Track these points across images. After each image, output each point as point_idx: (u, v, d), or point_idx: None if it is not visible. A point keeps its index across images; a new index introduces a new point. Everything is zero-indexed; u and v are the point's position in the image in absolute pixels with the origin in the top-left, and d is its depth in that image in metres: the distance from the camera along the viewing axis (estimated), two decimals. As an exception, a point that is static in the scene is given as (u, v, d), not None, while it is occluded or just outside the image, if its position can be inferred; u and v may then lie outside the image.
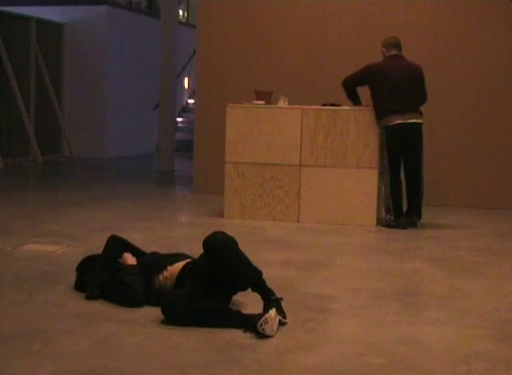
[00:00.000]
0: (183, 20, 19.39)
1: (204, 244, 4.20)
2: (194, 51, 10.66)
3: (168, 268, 4.44)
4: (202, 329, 3.88)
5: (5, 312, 4.14)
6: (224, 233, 4.25)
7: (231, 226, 7.05)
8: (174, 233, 6.79)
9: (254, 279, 4.11)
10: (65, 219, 7.43)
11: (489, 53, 9.22)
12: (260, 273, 4.13)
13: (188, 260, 4.48)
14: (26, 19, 14.33)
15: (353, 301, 4.59)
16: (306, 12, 9.60)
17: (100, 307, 4.26)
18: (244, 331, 3.87)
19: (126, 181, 11.32)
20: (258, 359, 3.46)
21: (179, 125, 17.59)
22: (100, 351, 3.52)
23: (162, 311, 4.01)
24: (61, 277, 4.84)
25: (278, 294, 4.14)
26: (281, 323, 3.95)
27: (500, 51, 9.21)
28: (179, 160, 13.83)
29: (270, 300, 4.06)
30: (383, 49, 7.73)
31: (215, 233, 4.23)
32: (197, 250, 4.70)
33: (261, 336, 3.78)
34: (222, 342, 3.69)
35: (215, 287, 4.14)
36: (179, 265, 4.43)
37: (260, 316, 3.85)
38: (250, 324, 3.87)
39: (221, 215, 7.76)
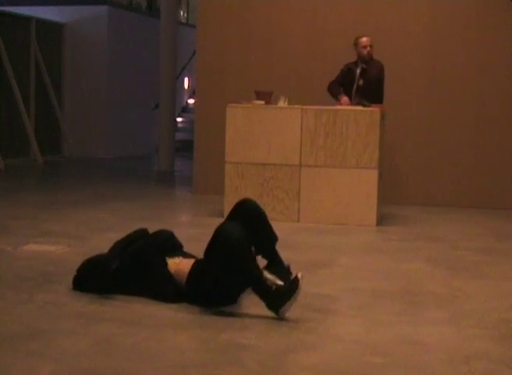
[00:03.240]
0: (183, 20, 19.39)
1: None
2: (194, 51, 10.66)
3: (181, 258, 4.52)
4: (202, 329, 3.89)
5: (5, 312, 4.14)
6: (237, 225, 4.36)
7: (231, 226, 7.03)
8: (174, 233, 6.77)
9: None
10: (65, 219, 7.43)
11: (490, 53, 9.22)
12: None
13: (193, 260, 4.52)
14: (26, 19, 14.33)
15: (353, 301, 4.59)
16: (306, 12, 9.60)
17: (100, 307, 4.26)
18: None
19: (126, 181, 11.31)
20: (258, 359, 3.46)
21: (179, 125, 17.59)
22: (100, 351, 3.52)
23: (221, 237, 4.18)
24: (61, 277, 4.84)
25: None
26: None
27: (501, 51, 9.21)
28: (179, 160, 13.83)
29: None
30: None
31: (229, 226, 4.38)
32: (196, 249, 4.70)
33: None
34: (222, 342, 3.69)
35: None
36: (189, 263, 4.46)
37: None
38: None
39: (221, 215, 7.75)
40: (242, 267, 4.15)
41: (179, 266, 4.45)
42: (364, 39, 8.12)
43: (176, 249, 4.69)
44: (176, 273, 4.42)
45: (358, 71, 8.15)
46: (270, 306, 4.11)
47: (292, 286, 4.11)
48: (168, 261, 4.49)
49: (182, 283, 4.38)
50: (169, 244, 4.68)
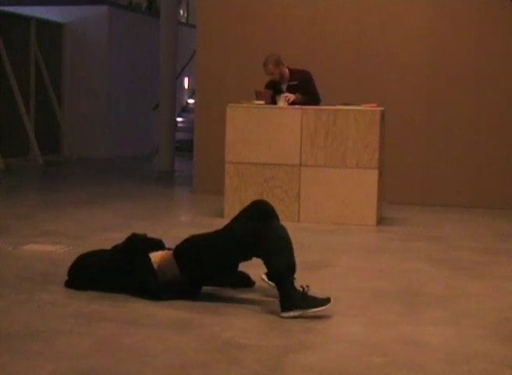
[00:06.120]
0: (183, 20, 19.39)
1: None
2: (194, 51, 10.66)
3: (165, 251, 4.58)
4: (202, 329, 3.89)
5: (5, 312, 4.14)
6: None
7: (231, 226, 7.03)
8: (174, 232, 6.78)
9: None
10: (65, 219, 7.43)
11: (490, 53, 9.21)
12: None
13: (162, 252, 4.56)
14: (26, 19, 14.33)
15: (353, 301, 4.59)
16: (306, 12, 9.60)
17: (100, 307, 4.25)
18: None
19: (126, 181, 11.31)
20: (258, 359, 3.45)
21: (179, 125, 17.58)
22: (100, 351, 3.52)
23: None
24: (61, 277, 4.83)
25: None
26: None
27: (501, 50, 9.20)
28: (179, 160, 13.83)
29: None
30: (279, 66, 7.80)
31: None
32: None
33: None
34: (222, 342, 3.69)
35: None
36: (158, 254, 4.52)
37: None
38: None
39: (221, 215, 7.76)
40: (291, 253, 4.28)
41: (163, 256, 4.49)
42: (266, 68, 7.79)
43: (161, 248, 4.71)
44: (160, 263, 4.45)
45: (284, 87, 7.98)
46: (284, 302, 4.12)
47: (319, 301, 4.12)
48: (151, 254, 4.51)
49: (167, 273, 4.41)
50: (155, 242, 4.70)
